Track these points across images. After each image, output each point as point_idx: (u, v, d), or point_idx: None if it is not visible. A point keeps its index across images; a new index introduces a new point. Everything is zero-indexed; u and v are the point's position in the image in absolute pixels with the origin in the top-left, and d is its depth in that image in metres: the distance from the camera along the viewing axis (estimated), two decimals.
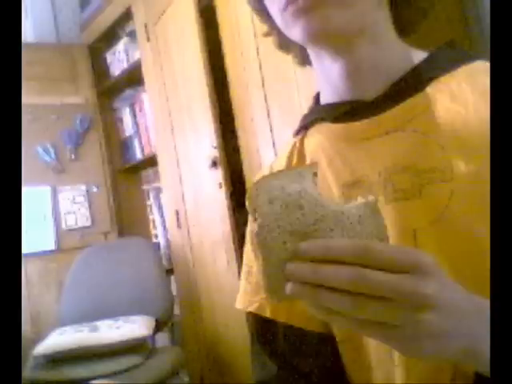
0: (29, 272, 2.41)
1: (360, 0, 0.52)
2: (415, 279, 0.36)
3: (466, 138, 0.50)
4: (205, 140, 1.88)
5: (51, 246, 2.52)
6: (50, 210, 2.55)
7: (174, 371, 1.94)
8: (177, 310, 2.28)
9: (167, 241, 2.51)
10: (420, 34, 0.62)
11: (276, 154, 1.61)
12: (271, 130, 1.62)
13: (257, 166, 1.71)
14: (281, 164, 0.66)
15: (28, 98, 2.35)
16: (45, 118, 2.59)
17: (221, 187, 1.82)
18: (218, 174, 1.82)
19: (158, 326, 2.04)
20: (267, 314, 0.62)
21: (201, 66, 1.83)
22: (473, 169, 0.49)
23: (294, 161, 0.64)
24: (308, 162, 0.62)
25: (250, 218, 0.67)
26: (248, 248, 0.67)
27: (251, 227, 0.66)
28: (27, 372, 1.84)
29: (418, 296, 0.36)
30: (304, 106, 1.46)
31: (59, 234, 2.54)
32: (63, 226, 2.57)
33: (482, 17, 1.37)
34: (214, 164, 1.82)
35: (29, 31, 2.71)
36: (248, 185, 1.77)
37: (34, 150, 2.53)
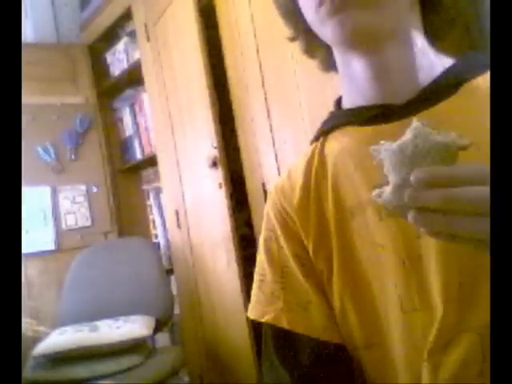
0: (29, 272, 2.41)
1: (393, 3, 0.53)
2: None
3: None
4: (205, 140, 1.88)
5: (51, 246, 2.52)
6: (50, 210, 2.55)
7: (174, 371, 1.94)
8: (177, 310, 2.28)
9: (167, 241, 2.51)
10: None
11: (276, 154, 1.61)
12: (271, 130, 1.62)
13: (257, 166, 1.71)
14: (300, 169, 0.65)
15: (28, 98, 2.35)
16: (45, 118, 2.59)
17: (221, 187, 1.82)
18: (218, 174, 1.82)
19: (158, 326, 2.04)
20: (284, 324, 0.61)
21: (201, 66, 1.83)
22: None
23: (315, 164, 0.63)
24: (330, 165, 0.61)
25: (263, 226, 0.68)
26: (261, 257, 0.66)
27: (265, 235, 0.66)
28: (27, 372, 1.84)
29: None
30: (304, 106, 1.46)
31: (59, 234, 2.55)
32: (63, 226, 2.57)
33: (482, 16, 1.37)
34: (214, 164, 1.82)
35: (29, 31, 2.71)
36: (248, 185, 1.77)
37: (34, 150, 2.53)
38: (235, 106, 1.79)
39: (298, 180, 0.63)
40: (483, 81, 0.55)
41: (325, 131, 0.65)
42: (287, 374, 0.61)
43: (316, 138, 0.66)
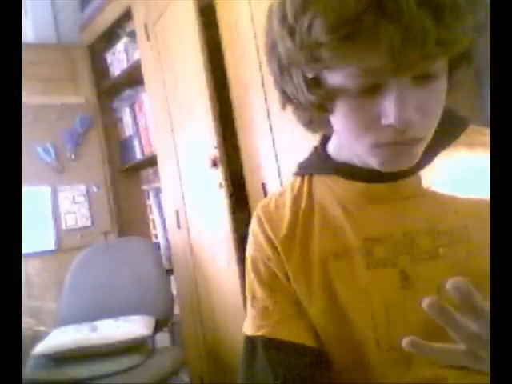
0: (29, 272, 2.41)
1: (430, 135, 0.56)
2: None
3: (477, 201, 0.57)
4: (205, 140, 1.88)
5: (51, 246, 2.52)
6: (50, 209, 2.55)
7: (174, 371, 1.94)
8: (177, 310, 2.28)
9: (167, 241, 2.51)
10: None
11: (276, 154, 1.61)
12: (271, 130, 1.62)
13: (257, 166, 1.71)
14: (287, 204, 0.69)
15: (28, 98, 2.35)
16: (45, 117, 2.59)
17: (221, 187, 1.82)
18: (218, 174, 1.82)
19: (158, 326, 2.04)
20: (282, 336, 0.64)
21: (201, 66, 1.83)
22: (487, 228, 0.52)
23: (303, 205, 0.67)
24: (318, 209, 0.66)
25: (250, 246, 0.71)
26: (250, 276, 0.70)
27: (252, 255, 0.70)
28: (27, 372, 1.84)
29: None
30: None
31: (59, 233, 2.55)
32: (63, 226, 2.57)
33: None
34: (214, 164, 1.82)
35: (29, 31, 2.71)
36: (248, 185, 1.77)
37: (34, 150, 2.53)
38: (235, 106, 1.79)
39: (286, 215, 0.68)
40: (455, 147, 0.62)
41: (311, 174, 0.70)
42: (274, 379, 0.62)
43: (300, 174, 0.71)
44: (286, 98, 0.60)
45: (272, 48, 0.56)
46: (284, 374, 0.62)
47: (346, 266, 0.62)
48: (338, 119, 0.56)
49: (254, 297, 0.68)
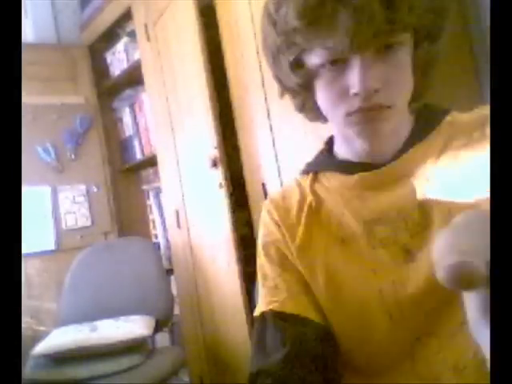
0: (29, 272, 2.41)
1: (404, 107, 0.64)
2: None
3: (459, 182, 0.62)
4: (205, 140, 1.88)
5: (51, 246, 2.52)
6: (50, 210, 2.55)
7: (174, 371, 1.94)
8: (177, 310, 2.28)
9: (167, 241, 2.51)
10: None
11: (276, 154, 1.61)
12: (271, 130, 1.62)
13: (257, 166, 1.71)
14: (294, 198, 0.74)
15: (28, 97, 2.35)
16: (45, 117, 2.59)
17: (221, 187, 1.82)
18: (218, 174, 1.82)
19: (158, 326, 2.04)
20: (293, 310, 0.68)
21: (201, 66, 1.83)
22: (471, 203, 0.59)
23: (308, 199, 0.72)
24: (322, 201, 0.72)
25: (261, 234, 0.75)
26: (261, 260, 0.74)
27: (263, 242, 0.74)
28: (27, 372, 1.84)
29: None
30: None
31: (59, 233, 2.55)
32: (63, 226, 2.57)
33: (481, 17, 1.37)
34: (214, 164, 1.82)
35: (29, 31, 2.71)
36: (248, 185, 1.77)
37: (34, 150, 2.53)
38: (235, 106, 1.79)
39: (293, 206, 0.74)
40: (437, 135, 0.66)
41: (316, 171, 0.76)
42: (282, 351, 0.64)
43: (306, 172, 0.77)
44: (283, 87, 0.71)
45: (265, 41, 0.66)
46: (291, 342, 0.65)
47: (351, 249, 0.67)
48: (319, 96, 0.64)
49: (265, 278, 0.73)
